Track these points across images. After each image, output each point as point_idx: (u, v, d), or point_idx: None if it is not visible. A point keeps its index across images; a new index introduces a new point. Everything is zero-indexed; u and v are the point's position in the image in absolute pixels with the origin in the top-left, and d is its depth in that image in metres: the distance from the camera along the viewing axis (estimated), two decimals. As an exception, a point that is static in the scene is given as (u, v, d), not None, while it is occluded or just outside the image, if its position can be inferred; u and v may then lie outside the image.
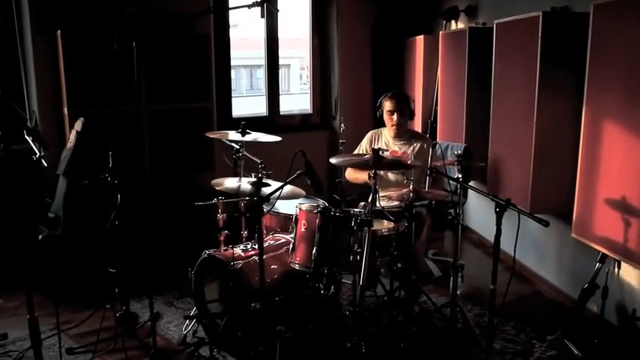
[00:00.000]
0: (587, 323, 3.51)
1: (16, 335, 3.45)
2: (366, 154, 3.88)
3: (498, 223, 2.64)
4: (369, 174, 3.22)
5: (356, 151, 4.12)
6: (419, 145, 3.87)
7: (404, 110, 3.88)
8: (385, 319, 3.49)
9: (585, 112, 3.23)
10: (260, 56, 5.97)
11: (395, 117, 3.87)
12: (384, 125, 4.01)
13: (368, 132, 4.14)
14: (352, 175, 4.06)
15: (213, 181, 3.20)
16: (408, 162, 3.62)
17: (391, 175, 3.92)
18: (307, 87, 6.37)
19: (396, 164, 3.51)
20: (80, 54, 4.27)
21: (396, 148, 3.94)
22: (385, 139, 4.01)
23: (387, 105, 3.89)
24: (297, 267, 3.15)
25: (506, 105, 4.05)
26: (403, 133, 3.96)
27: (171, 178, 4.44)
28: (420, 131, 5.41)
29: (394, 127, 3.91)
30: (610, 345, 3.29)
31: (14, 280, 3.61)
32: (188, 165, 4.74)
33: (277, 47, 5.84)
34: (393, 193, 3.51)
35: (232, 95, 5.65)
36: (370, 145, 4.01)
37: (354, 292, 3.18)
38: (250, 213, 3.36)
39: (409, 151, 3.88)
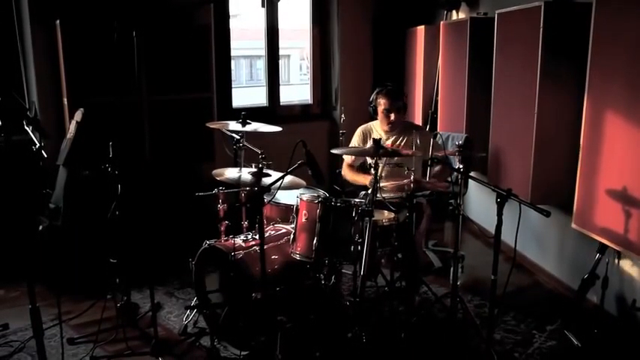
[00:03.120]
0: (586, 314, 3.52)
1: (17, 326, 3.46)
2: (365, 146, 3.88)
3: (499, 214, 2.65)
4: (370, 180, 3.16)
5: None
6: (414, 135, 3.77)
7: (400, 108, 3.83)
8: (386, 309, 3.50)
9: (587, 103, 3.22)
10: (260, 47, 5.95)
11: (392, 116, 3.82)
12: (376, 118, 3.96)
13: (368, 122, 4.10)
14: (350, 176, 4.02)
15: (214, 172, 3.20)
16: (409, 152, 3.61)
17: (387, 169, 3.90)
18: (307, 77, 6.35)
19: (397, 153, 3.49)
20: (80, 44, 4.24)
21: (390, 142, 3.90)
22: (378, 134, 3.92)
23: (383, 103, 3.81)
24: (297, 257, 3.15)
25: (508, 95, 4.04)
26: (397, 125, 3.94)
27: (172, 169, 4.43)
28: (420, 122, 5.40)
29: (390, 125, 3.86)
30: (610, 335, 3.30)
31: (15, 270, 3.61)
32: (188, 155, 4.73)
33: (277, 37, 5.81)
34: (389, 184, 3.51)
35: (232, 86, 5.63)
36: (363, 142, 3.97)
37: (355, 283, 3.19)
38: (251, 203, 3.37)
39: (403, 144, 3.85)
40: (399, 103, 3.82)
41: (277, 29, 5.79)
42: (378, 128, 3.97)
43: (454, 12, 5.32)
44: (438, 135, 3.66)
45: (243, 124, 3.42)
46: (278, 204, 3.60)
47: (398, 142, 3.87)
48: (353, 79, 5.89)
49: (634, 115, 2.91)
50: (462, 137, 4.37)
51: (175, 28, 4.59)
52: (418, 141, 3.65)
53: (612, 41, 3.02)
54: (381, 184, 3.34)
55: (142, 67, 3.01)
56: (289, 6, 6.00)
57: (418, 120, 5.46)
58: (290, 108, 6.13)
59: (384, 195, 3.35)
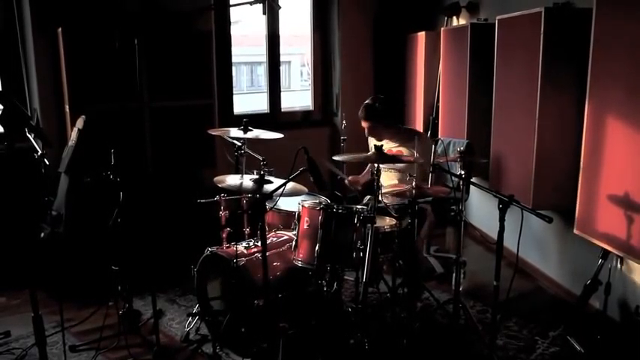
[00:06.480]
0: (589, 319, 3.51)
1: (19, 333, 3.46)
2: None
3: (501, 220, 2.65)
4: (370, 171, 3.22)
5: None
6: (416, 142, 3.74)
7: (373, 127, 3.86)
8: (388, 315, 3.49)
9: (588, 108, 3.22)
10: (261, 53, 5.96)
11: (366, 133, 3.94)
12: None
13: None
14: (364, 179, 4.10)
15: (216, 178, 3.19)
16: (410, 158, 3.62)
17: (389, 176, 3.92)
18: (308, 83, 6.36)
19: (397, 159, 3.52)
20: (82, 51, 4.26)
21: (393, 148, 3.91)
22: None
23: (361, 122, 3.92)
24: (299, 264, 3.15)
25: (509, 101, 4.05)
26: (394, 135, 3.94)
27: (173, 176, 4.43)
28: (421, 127, 5.41)
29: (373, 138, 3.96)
30: (612, 341, 3.29)
31: (17, 278, 3.61)
32: (190, 162, 4.73)
33: (278, 44, 5.83)
34: (390, 190, 3.52)
35: (233, 92, 5.63)
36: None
37: (357, 289, 3.18)
38: (253, 210, 3.37)
39: (405, 151, 3.86)
40: (368, 123, 3.85)
41: (278, 35, 5.81)
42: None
43: (454, 18, 5.33)
44: (439, 141, 3.66)
45: (245, 130, 3.42)
46: (280, 211, 3.60)
47: (399, 150, 3.88)
48: (354, 85, 5.89)
49: (635, 120, 2.91)
50: (464, 143, 4.38)
51: (176, 34, 4.60)
52: (415, 148, 3.67)
53: (613, 46, 3.02)
54: (383, 191, 3.36)
55: (143, 74, 3.02)
56: (290, 12, 6.02)
57: (419, 126, 5.46)
58: (291, 114, 6.14)
59: (385, 201, 3.36)
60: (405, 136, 3.88)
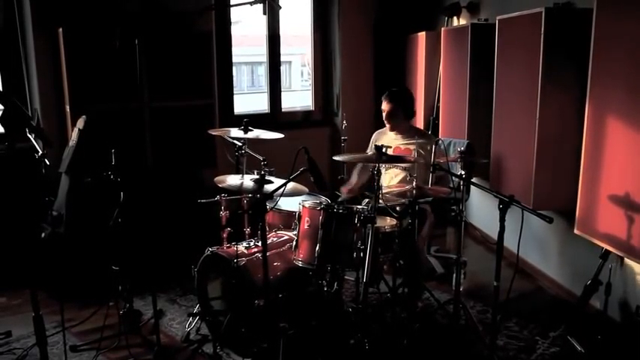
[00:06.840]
0: (590, 320, 3.51)
1: (19, 333, 3.46)
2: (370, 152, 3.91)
3: (502, 220, 2.65)
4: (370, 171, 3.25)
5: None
6: (422, 142, 3.84)
7: (395, 110, 3.90)
8: (388, 315, 3.49)
9: (588, 108, 3.22)
10: (261, 53, 5.96)
11: (384, 116, 3.95)
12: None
13: (370, 128, 4.15)
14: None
15: (216, 179, 3.20)
16: (411, 159, 3.63)
17: (394, 172, 3.93)
18: (309, 83, 6.36)
19: (398, 159, 3.53)
20: (82, 51, 4.26)
21: (401, 146, 3.94)
22: (388, 138, 3.99)
23: (382, 104, 3.95)
24: (300, 264, 3.15)
25: (509, 101, 4.05)
26: (405, 130, 3.96)
27: (174, 176, 4.43)
28: (421, 127, 5.41)
29: (389, 126, 3.98)
30: (613, 341, 3.29)
31: (18, 278, 3.62)
32: (190, 162, 4.73)
33: (279, 44, 5.83)
34: (391, 190, 3.53)
35: (234, 92, 5.64)
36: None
37: (357, 289, 3.19)
38: (253, 210, 3.37)
39: (412, 149, 3.88)
40: (390, 105, 3.90)
41: (278, 35, 5.81)
42: (389, 132, 4.04)
43: (455, 18, 5.33)
44: (440, 141, 3.68)
45: (246, 130, 3.43)
46: (280, 211, 3.60)
47: (406, 147, 3.90)
48: (354, 85, 5.90)
49: (636, 120, 2.91)
50: (464, 143, 4.38)
51: (177, 34, 4.60)
52: (420, 148, 3.68)
53: (613, 46, 3.02)
54: (384, 191, 3.36)
55: (143, 74, 3.02)
56: (290, 12, 6.02)
57: (419, 126, 5.46)
58: (292, 114, 6.14)
59: (386, 202, 3.36)
60: (417, 135, 3.89)
